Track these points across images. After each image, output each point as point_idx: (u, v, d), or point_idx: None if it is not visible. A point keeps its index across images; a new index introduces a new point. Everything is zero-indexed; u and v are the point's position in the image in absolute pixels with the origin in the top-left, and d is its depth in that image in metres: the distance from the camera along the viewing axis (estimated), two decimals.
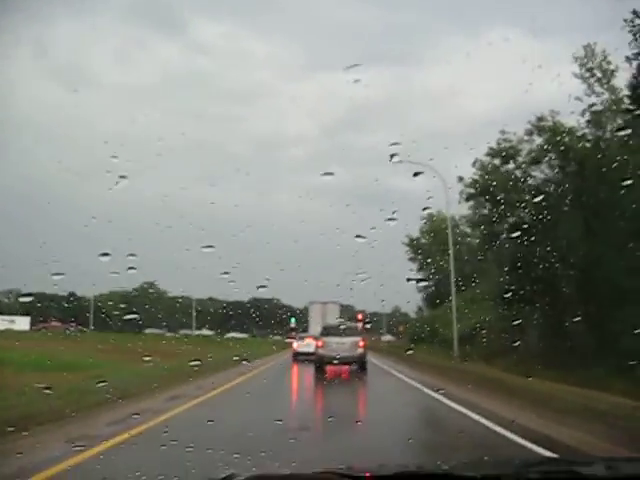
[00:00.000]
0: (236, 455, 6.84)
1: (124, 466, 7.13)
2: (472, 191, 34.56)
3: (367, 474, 2.54)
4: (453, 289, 30.24)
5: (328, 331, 28.08)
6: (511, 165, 31.15)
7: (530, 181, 28.44)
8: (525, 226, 23.18)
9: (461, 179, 34.79)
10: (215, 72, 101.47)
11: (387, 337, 59.69)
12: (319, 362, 26.84)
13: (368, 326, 41.08)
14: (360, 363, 27.07)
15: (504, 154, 30.60)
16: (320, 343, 27.59)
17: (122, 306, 77.62)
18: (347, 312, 43.83)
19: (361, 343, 27.33)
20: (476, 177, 33.65)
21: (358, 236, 10.33)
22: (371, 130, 66.53)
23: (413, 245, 53.61)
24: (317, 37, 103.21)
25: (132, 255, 9.28)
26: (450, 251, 32.72)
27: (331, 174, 10.18)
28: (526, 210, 25.90)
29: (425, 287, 54.39)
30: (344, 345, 26.89)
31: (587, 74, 28.03)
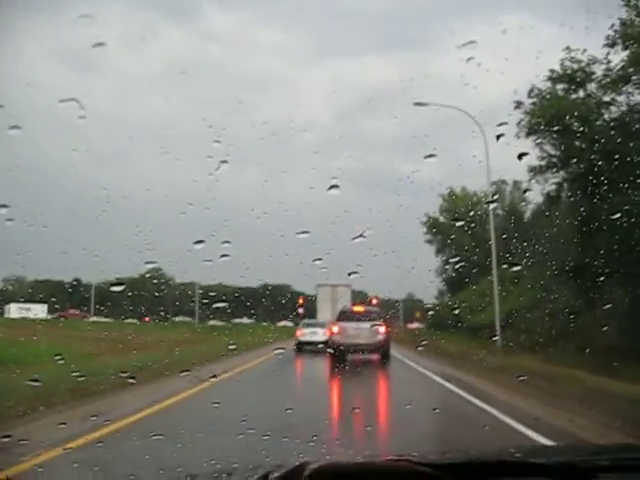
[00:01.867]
0: None
1: None
2: (538, 120, 23.78)
3: (440, 462, 2.34)
4: (494, 261, 25.17)
5: (345, 315, 23.36)
6: (581, 93, 22.93)
7: (606, 115, 21.75)
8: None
9: (519, 104, 24.53)
10: (226, 59, 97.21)
11: (414, 324, 54.38)
12: (335, 350, 22.15)
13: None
14: (382, 352, 22.50)
15: (573, 78, 22.26)
16: (336, 329, 22.99)
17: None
18: (359, 297, 39.29)
19: (382, 329, 22.76)
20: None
21: (333, 186, 8.44)
22: (384, 115, 62.32)
23: (431, 225, 48.58)
24: (328, 24, 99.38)
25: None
26: (490, 210, 27.34)
27: (337, 187, 8.47)
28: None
29: (444, 270, 49.67)
30: (363, 331, 22.20)
31: None
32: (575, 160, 22.04)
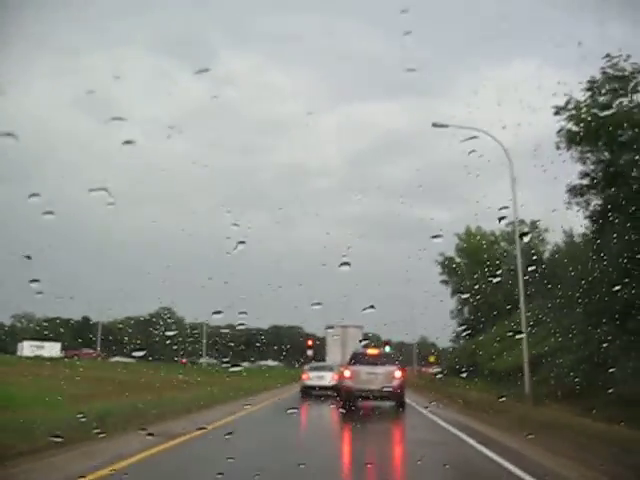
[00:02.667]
0: None
1: None
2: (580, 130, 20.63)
3: None
4: (522, 299, 22.73)
5: (357, 358, 21.06)
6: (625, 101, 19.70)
7: None
8: None
9: (559, 110, 21.33)
10: (242, 103, 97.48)
11: (429, 369, 51.40)
12: (347, 397, 19.86)
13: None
14: (397, 398, 20.15)
15: (616, 87, 19.18)
16: (348, 373, 20.61)
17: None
18: (371, 341, 36.95)
19: (398, 374, 20.44)
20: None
21: (344, 264, 8.52)
22: (394, 160, 62.06)
23: (447, 265, 46.30)
24: (341, 70, 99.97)
25: (243, 313, 9.40)
26: (517, 243, 25.10)
27: (348, 264, 8.33)
28: None
29: (460, 311, 47.25)
30: (378, 376, 19.90)
31: None
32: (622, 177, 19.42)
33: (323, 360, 33.18)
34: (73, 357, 59.35)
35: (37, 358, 49.60)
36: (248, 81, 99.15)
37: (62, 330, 71.81)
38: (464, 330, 44.05)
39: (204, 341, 65.63)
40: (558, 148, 21.31)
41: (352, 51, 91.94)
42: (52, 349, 61.73)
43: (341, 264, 8.48)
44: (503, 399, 18.14)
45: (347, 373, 20.96)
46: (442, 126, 20.42)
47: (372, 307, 9.48)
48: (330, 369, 28.14)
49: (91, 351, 71.62)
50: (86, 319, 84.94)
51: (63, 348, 66.14)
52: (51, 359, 48.05)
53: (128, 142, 8.11)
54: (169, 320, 79.41)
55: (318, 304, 9.21)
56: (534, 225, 46.81)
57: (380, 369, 20.54)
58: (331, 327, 33.92)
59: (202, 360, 71.23)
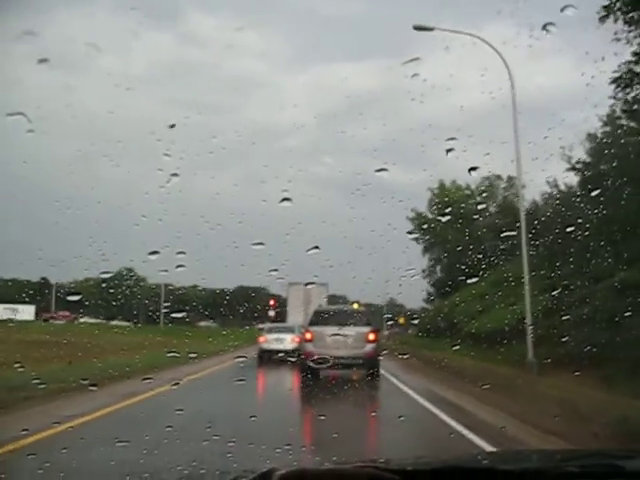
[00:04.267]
0: None
1: None
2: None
3: (407, 468, 2.23)
4: (525, 255, 18.37)
5: (321, 317, 16.77)
6: None
7: None
8: None
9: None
10: (209, 63, 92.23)
11: (394, 330, 47.02)
12: (306, 365, 15.62)
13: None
14: (370, 366, 15.94)
15: None
16: (308, 335, 16.44)
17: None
18: (338, 302, 32.86)
19: (372, 336, 16.21)
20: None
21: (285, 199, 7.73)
22: (364, 121, 58.09)
23: (419, 221, 42.12)
24: (310, 30, 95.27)
25: (181, 253, 8.25)
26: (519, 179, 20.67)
27: (289, 199, 7.65)
28: None
29: (432, 270, 43.36)
30: (345, 338, 15.73)
31: None
32: None
33: (283, 321, 28.98)
34: (49, 320, 56.35)
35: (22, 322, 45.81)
36: (215, 40, 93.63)
37: (24, 294, 68.11)
38: (438, 289, 40.17)
39: (162, 301, 61.14)
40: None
41: (322, 11, 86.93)
42: (26, 312, 58.49)
43: (282, 199, 7.64)
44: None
45: (308, 335, 16.65)
46: (426, 29, 15.94)
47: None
48: (291, 331, 23.96)
49: (67, 313, 67.72)
50: (45, 280, 79.73)
51: (37, 311, 63.21)
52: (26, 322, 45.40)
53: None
54: (129, 280, 75.01)
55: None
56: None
57: (349, 330, 16.30)
58: (293, 284, 29.59)
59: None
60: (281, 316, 32.44)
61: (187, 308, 67.93)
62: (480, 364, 16.11)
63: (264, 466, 2.14)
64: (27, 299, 66.68)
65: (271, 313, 33.82)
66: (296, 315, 28.90)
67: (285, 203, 7.58)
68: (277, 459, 5.55)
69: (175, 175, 8.09)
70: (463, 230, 37.99)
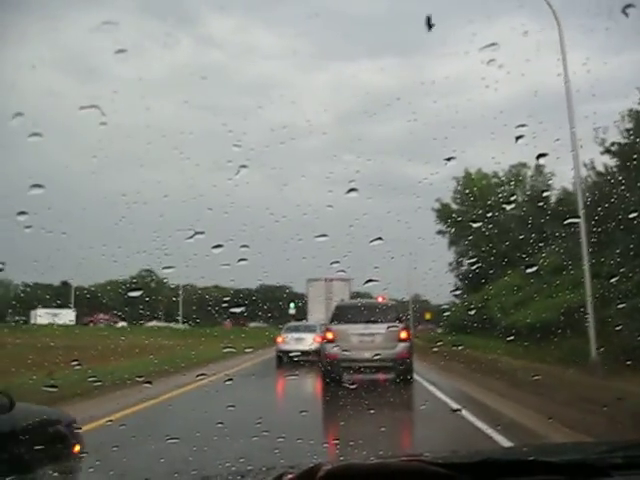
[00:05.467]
0: None
1: None
2: None
3: (454, 461, 2.20)
4: (584, 238, 15.49)
5: (344, 313, 14.30)
6: None
7: None
8: None
9: None
10: (227, 64, 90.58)
11: (421, 327, 43.85)
12: (330, 369, 13.28)
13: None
14: (402, 370, 13.50)
15: None
16: (330, 334, 14.07)
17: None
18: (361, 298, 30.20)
19: (404, 334, 13.77)
20: None
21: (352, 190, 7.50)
22: (385, 119, 56.10)
23: (445, 213, 39.42)
24: (328, 28, 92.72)
25: (245, 246, 8.01)
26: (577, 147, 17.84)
27: (355, 190, 7.47)
28: None
29: (459, 264, 40.64)
30: (373, 337, 13.34)
31: None
32: None
33: (303, 319, 26.61)
34: (89, 324, 57.32)
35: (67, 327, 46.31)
36: (233, 42, 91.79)
37: (47, 296, 67.23)
38: (467, 282, 37.49)
39: (180, 301, 59.25)
40: None
41: (338, 9, 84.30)
42: (67, 316, 58.18)
43: (348, 190, 7.35)
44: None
45: (330, 335, 14.24)
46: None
47: (380, 239, 7.40)
48: (312, 330, 21.63)
49: (107, 317, 67.12)
50: (65, 284, 78.65)
51: (78, 315, 62.57)
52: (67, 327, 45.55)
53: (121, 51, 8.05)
54: (150, 282, 73.60)
55: (324, 235, 7.71)
56: (539, 168, 40.23)
57: (377, 328, 13.90)
58: (313, 280, 27.22)
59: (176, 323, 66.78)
60: (302, 314, 30.18)
61: (214, 308, 66.28)
62: (531, 365, 13.56)
63: (311, 461, 2.07)
64: (63, 303, 66.11)
65: (291, 311, 31.49)
66: (317, 313, 26.58)
67: (352, 194, 7.36)
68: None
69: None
70: (491, 220, 35.38)
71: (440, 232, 40.88)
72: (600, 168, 26.78)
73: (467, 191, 35.89)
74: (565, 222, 27.26)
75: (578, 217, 28.32)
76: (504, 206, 36.56)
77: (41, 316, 60.07)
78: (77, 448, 5.77)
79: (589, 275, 14.86)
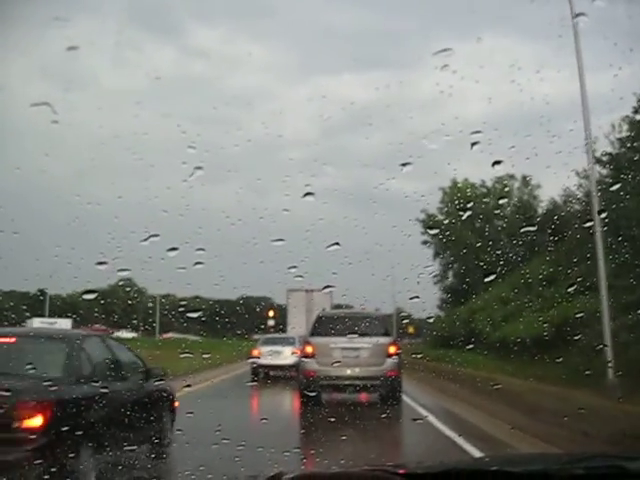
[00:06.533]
0: None
1: None
2: None
3: (416, 472, 2.27)
4: (600, 249, 13.75)
5: (326, 324, 12.71)
6: None
7: None
8: None
9: None
10: (212, 75, 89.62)
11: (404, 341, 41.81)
12: (307, 387, 11.70)
13: None
14: (389, 388, 11.96)
15: None
16: (309, 349, 12.49)
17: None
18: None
19: (391, 348, 12.23)
20: None
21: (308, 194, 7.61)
22: (368, 132, 55.79)
23: (429, 222, 38.10)
24: (313, 41, 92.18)
25: (201, 250, 7.79)
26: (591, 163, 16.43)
27: (312, 194, 7.55)
28: None
29: (444, 275, 39.27)
30: (358, 352, 11.79)
31: None
32: None
33: (283, 330, 25.04)
34: None
35: None
36: (217, 53, 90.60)
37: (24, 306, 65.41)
38: (452, 295, 36.12)
39: (157, 311, 57.37)
40: None
41: (323, 23, 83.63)
42: (63, 325, 54.09)
43: (305, 194, 7.44)
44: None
45: (309, 349, 12.66)
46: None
47: (337, 244, 7.43)
48: (290, 342, 20.07)
49: (103, 327, 65.82)
50: (42, 292, 76.40)
51: (74, 324, 59.30)
52: None
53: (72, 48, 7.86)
54: (128, 291, 71.86)
55: (280, 240, 7.62)
56: (526, 180, 39.19)
57: (363, 341, 12.33)
58: (293, 291, 25.67)
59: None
60: (281, 326, 28.63)
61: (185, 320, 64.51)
62: (536, 387, 12.04)
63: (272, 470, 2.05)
64: (27, 311, 64.09)
65: (270, 323, 29.87)
66: (297, 325, 25.04)
67: (308, 198, 7.42)
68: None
69: (199, 168, 7.67)
70: (478, 231, 34.16)
71: (425, 242, 39.55)
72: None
73: (455, 200, 34.61)
74: (521, 230, 26.17)
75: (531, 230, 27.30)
76: (491, 215, 35.39)
77: (37, 325, 60.26)
78: (177, 403, 8.31)
79: (605, 283, 13.39)
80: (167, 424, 7.91)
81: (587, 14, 8.84)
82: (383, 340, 12.51)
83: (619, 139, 24.87)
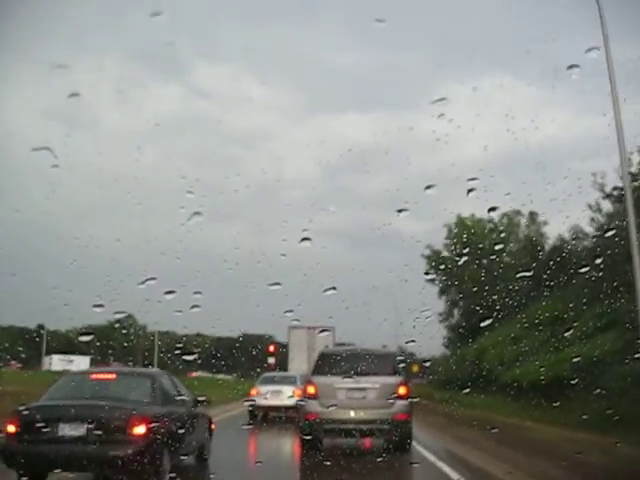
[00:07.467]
0: None
1: None
2: None
3: None
4: (637, 269, 12.46)
5: (328, 363, 11.45)
6: None
7: None
8: None
9: None
10: (215, 114, 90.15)
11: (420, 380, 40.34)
12: (309, 432, 10.38)
13: None
14: (399, 433, 10.62)
15: None
16: (311, 389, 11.22)
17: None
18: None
19: (401, 389, 10.95)
20: None
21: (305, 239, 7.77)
22: (370, 173, 56.13)
23: (435, 260, 36.87)
24: (316, 81, 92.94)
25: (198, 293, 8.13)
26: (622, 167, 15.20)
27: (308, 239, 7.64)
28: None
29: (450, 313, 37.92)
30: (365, 393, 10.53)
31: None
32: None
33: (286, 370, 23.67)
34: None
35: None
36: (220, 93, 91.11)
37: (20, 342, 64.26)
38: (458, 333, 34.67)
39: (155, 348, 55.79)
40: None
41: (326, 64, 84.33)
42: (81, 362, 58.25)
43: (302, 239, 7.57)
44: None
45: (311, 389, 11.40)
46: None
47: (334, 289, 7.69)
48: (291, 381, 18.69)
49: (121, 364, 65.10)
50: (41, 327, 75.05)
51: (92, 361, 62.22)
52: None
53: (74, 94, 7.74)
54: (129, 328, 70.43)
55: (277, 284, 7.88)
56: (533, 217, 38.14)
57: (370, 381, 11.11)
58: (295, 328, 24.45)
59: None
60: (282, 364, 27.26)
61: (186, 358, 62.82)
62: (573, 436, 10.65)
63: None
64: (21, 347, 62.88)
65: (271, 360, 28.45)
66: (299, 363, 23.73)
67: (305, 243, 7.55)
68: None
69: (198, 214, 7.77)
70: (485, 268, 32.92)
71: (430, 280, 38.28)
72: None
73: (462, 237, 33.47)
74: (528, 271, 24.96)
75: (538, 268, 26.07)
76: (497, 251, 34.18)
77: (55, 362, 60.79)
78: (213, 426, 10.67)
79: None
80: (208, 440, 10.35)
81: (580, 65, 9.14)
82: (391, 380, 11.25)
83: (630, 173, 23.94)
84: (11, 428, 7.65)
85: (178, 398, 9.36)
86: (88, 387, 8.90)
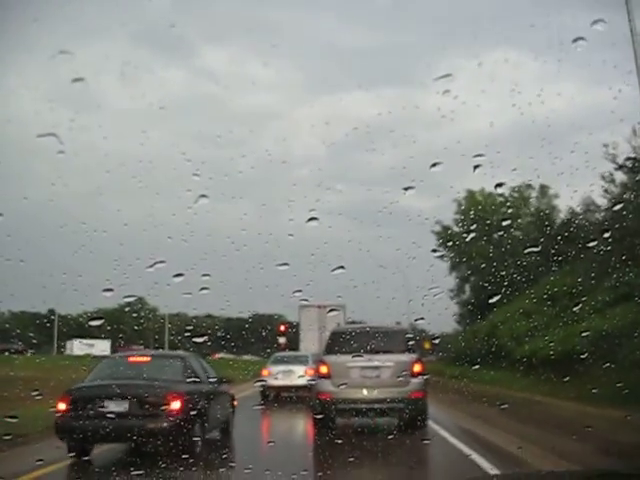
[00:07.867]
0: None
1: None
2: None
3: None
4: None
5: (340, 342, 11.31)
6: None
7: None
8: None
9: None
10: (220, 97, 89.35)
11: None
12: (322, 412, 10.31)
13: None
14: (415, 412, 10.51)
15: None
16: (324, 368, 11.12)
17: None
18: None
19: (416, 367, 10.83)
20: None
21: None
22: (376, 151, 55.76)
23: (444, 236, 36.64)
24: (320, 60, 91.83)
25: (206, 275, 8.19)
26: None
27: (315, 219, 7.56)
28: None
29: (461, 289, 37.80)
30: (379, 372, 10.41)
31: None
32: None
33: (294, 349, 23.65)
34: None
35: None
36: (225, 74, 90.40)
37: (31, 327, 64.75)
38: (469, 309, 34.58)
39: (166, 330, 56.03)
40: None
41: (329, 43, 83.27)
42: (101, 346, 59.01)
43: (309, 219, 7.43)
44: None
45: (323, 368, 11.29)
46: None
47: (342, 268, 7.62)
48: (303, 361, 18.64)
49: (141, 347, 65.68)
50: (52, 312, 75.40)
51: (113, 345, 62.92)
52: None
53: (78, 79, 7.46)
54: (139, 311, 70.77)
55: (285, 264, 7.79)
56: (544, 190, 37.75)
57: (384, 359, 10.92)
58: (305, 307, 24.31)
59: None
60: (294, 344, 27.24)
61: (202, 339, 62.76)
62: (581, 409, 10.59)
63: None
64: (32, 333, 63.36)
65: (281, 340, 28.44)
66: (310, 342, 23.68)
67: (312, 223, 7.46)
68: None
69: (204, 196, 7.80)
70: (494, 244, 32.68)
71: (441, 256, 38.05)
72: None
73: (470, 211, 33.17)
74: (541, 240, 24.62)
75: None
76: (506, 227, 33.89)
77: (77, 347, 62.10)
78: (235, 402, 11.51)
79: None
80: (231, 416, 11.14)
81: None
82: (406, 357, 11.11)
83: None
84: (62, 405, 8.51)
85: (205, 377, 10.13)
86: (127, 368, 9.79)
